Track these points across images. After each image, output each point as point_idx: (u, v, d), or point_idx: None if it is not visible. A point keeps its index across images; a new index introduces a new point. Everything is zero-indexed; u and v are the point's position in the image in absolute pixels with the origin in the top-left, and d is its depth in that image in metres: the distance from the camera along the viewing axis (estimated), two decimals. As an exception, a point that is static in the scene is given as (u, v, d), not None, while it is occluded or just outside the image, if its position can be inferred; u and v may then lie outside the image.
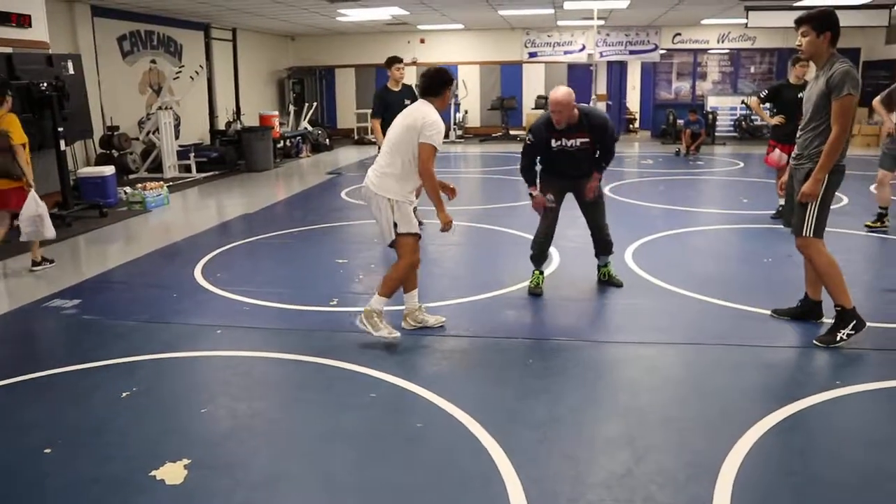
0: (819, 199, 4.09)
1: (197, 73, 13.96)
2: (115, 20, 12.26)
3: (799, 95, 4.59)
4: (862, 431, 3.27)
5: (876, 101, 7.02)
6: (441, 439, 3.19)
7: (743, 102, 17.44)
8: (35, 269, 6.26)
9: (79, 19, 11.26)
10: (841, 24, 4.08)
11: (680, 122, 15.65)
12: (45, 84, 7.91)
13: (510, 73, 18.96)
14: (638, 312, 4.87)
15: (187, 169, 12.25)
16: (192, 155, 12.31)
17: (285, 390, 3.84)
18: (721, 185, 11.28)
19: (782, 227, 7.40)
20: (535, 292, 5.26)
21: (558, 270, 5.79)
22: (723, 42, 17.49)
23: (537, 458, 2.99)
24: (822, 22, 4.01)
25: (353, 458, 3.06)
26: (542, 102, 18.11)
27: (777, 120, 7.36)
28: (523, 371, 3.93)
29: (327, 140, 16.84)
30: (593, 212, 5.31)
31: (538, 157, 5.19)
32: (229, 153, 13.09)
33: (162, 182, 10.00)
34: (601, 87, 19.85)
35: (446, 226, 4.28)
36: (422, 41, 18.57)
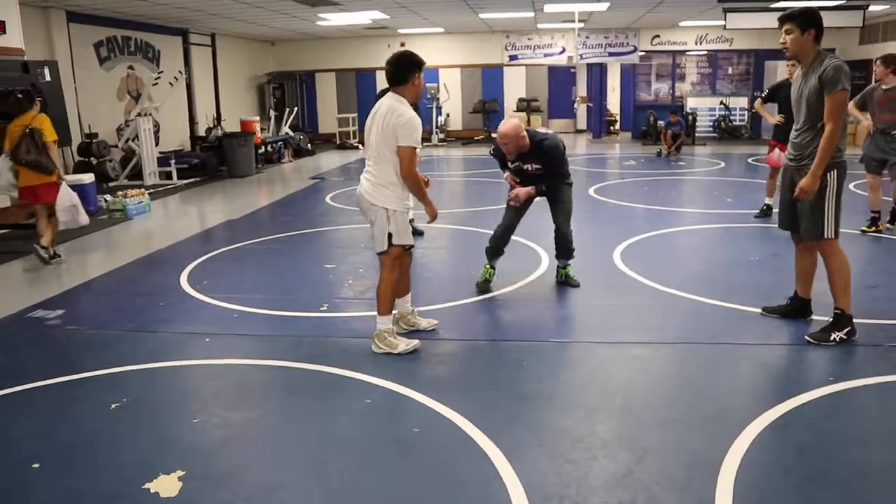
0: (834, 197, 4.08)
1: (176, 78, 13.81)
2: (92, 26, 12.10)
3: None
4: (858, 427, 3.28)
5: (851, 105, 7.08)
6: (439, 444, 3.16)
7: (722, 103, 17.63)
8: (51, 262, 6.52)
9: (54, 25, 11.10)
10: None
11: (661, 123, 15.75)
12: (22, 91, 7.76)
13: (491, 76, 19.01)
14: (630, 313, 4.87)
15: (168, 176, 12.11)
16: (172, 161, 12.17)
17: (279, 398, 3.78)
18: (704, 185, 11.35)
19: (765, 224, 7.52)
20: (481, 287, 5.30)
21: (549, 272, 5.77)
22: (701, 43, 17.65)
23: (537, 461, 2.97)
24: (806, 20, 4.02)
25: (351, 466, 3.01)
26: (523, 105, 18.17)
27: (777, 119, 7.37)
28: (518, 373, 3.91)
29: (309, 145, 16.75)
30: (556, 213, 5.38)
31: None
32: (210, 159, 12.97)
33: (143, 189, 9.86)
34: (582, 89, 19.99)
35: (434, 217, 4.28)
36: (402, 45, 18.52)
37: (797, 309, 4.56)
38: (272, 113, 16.87)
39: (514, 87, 19.05)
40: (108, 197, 9.25)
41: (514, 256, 6.25)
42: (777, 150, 7.50)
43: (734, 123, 17.60)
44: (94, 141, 11.56)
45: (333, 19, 14.18)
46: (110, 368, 4.06)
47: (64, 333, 4.74)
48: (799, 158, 4.22)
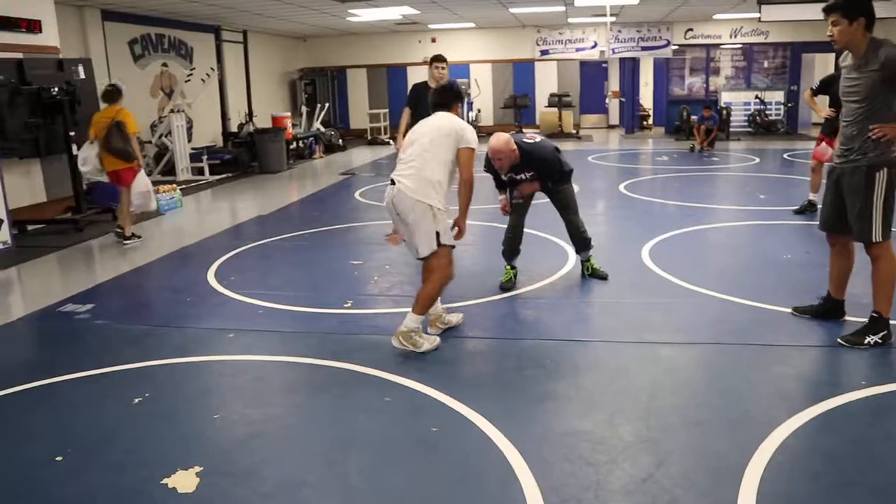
0: (883, 198, 3.87)
1: (208, 75, 13.97)
2: (126, 24, 12.29)
3: None
4: (890, 433, 3.17)
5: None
6: (457, 444, 3.13)
7: (757, 97, 17.27)
8: (126, 243, 7.26)
9: (89, 24, 11.29)
10: None
11: (694, 117, 15.49)
12: (56, 89, 7.91)
13: (522, 71, 18.89)
14: (657, 312, 4.78)
15: (200, 171, 12.26)
16: (204, 157, 12.32)
17: (299, 395, 3.79)
18: (737, 181, 11.14)
19: (798, 222, 7.33)
20: (505, 287, 5.27)
21: (576, 268, 5.70)
22: (736, 37, 17.32)
23: (556, 463, 2.92)
24: (853, 7, 3.75)
25: (369, 464, 3.00)
26: (555, 101, 18.01)
27: (827, 112, 7.17)
28: (541, 373, 3.86)
29: (340, 140, 16.82)
30: (563, 209, 5.37)
31: None
32: (242, 155, 13.09)
33: (175, 185, 10.00)
34: (614, 83, 19.75)
35: (462, 235, 4.29)
36: (433, 40, 18.50)
37: (830, 310, 4.42)
38: (304, 109, 16.98)
39: (546, 82, 18.90)
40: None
41: (542, 253, 6.20)
42: (824, 144, 7.32)
43: (770, 118, 17.24)
44: (128, 137, 11.73)
45: (364, 15, 14.20)
46: (135, 363, 4.10)
47: (92, 328, 4.81)
48: (847, 153, 3.99)
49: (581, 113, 19.60)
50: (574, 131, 17.99)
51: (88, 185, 8.81)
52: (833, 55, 8.72)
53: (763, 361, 3.93)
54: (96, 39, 11.45)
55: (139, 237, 7.45)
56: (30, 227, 8.09)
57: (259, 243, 7.21)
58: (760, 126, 17.14)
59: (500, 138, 4.93)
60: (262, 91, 16.91)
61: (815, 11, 6.66)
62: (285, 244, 7.18)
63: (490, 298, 5.07)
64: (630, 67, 18.21)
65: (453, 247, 4.17)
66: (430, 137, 4.09)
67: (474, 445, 3.09)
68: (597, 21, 16.14)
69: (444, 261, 4.09)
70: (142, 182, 7.47)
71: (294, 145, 14.68)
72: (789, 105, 17.18)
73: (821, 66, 16.96)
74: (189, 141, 12.58)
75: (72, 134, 8.06)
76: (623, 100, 18.90)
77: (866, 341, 4.00)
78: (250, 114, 15.27)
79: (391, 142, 16.70)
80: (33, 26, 8.35)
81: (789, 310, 4.59)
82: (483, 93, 18.63)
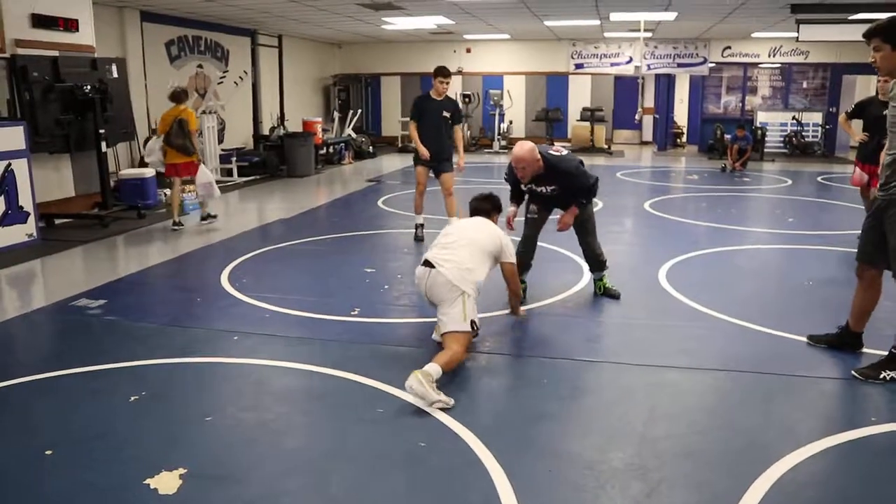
0: None
1: (241, 78, 14.14)
2: (164, 25, 12.50)
3: (884, 112, 4.09)
4: (896, 473, 3.04)
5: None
6: (443, 460, 3.08)
7: (794, 118, 16.95)
8: (203, 222, 8.29)
9: (128, 24, 11.50)
10: None
11: (727, 137, 15.24)
12: (89, 87, 8.07)
13: (556, 85, 18.78)
14: (666, 334, 4.68)
15: (229, 173, 12.40)
16: (233, 159, 12.46)
17: (294, 402, 3.77)
18: (766, 202, 10.91)
19: (822, 247, 7.13)
20: None
21: (590, 286, 5.61)
22: (774, 56, 17.02)
23: (542, 487, 2.85)
24: (895, 32, 3.59)
25: (353, 476, 2.96)
26: (587, 115, 17.89)
27: (861, 137, 7.00)
28: (537, 391, 3.79)
29: (371, 147, 16.90)
30: (580, 232, 5.29)
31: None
32: (271, 158, 13.21)
33: (203, 185, 10.11)
34: (648, 100, 19.54)
35: (520, 316, 4.84)
36: (468, 51, 18.52)
37: (846, 341, 4.26)
38: (336, 114, 17.08)
39: (579, 95, 18.77)
40: (168, 192, 9.49)
41: (556, 268, 6.13)
42: (857, 170, 7.14)
43: (806, 140, 16.89)
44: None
45: (398, 23, 14.26)
46: (137, 361, 4.13)
47: (101, 323, 4.87)
48: (888, 188, 3.77)
49: (614, 128, 19.42)
50: (606, 146, 17.83)
51: (116, 182, 8.98)
52: (875, 77, 8.44)
53: (771, 391, 3.81)
54: (134, 39, 11.66)
55: (214, 216, 8.42)
56: (57, 221, 8.25)
57: (277, 246, 7.25)
58: (796, 147, 16.80)
59: (525, 146, 4.86)
60: (296, 95, 17.06)
61: (854, 32, 6.46)
62: (302, 248, 7.20)
63: (496, 313, 4.99)
64: (665, 84, 18.01)
65: (476, 335, 4.21)
66: (478, 245, 4.28)
67: (459, 463, 3.03)
68: (632, 36, 16.00)
69: (467, 341, 4.06)
70: (204, 175, 8.22)
71: (324, 150, 14.78)
72: (827, 127, 16.82)
73: (862, 88, 16.59)
74: (220, 142, 12.73)
75: (102, 131, 8.21)
76: (657, 116, 18.69)
77: (882, 376, 3.85)
78: (282, 117, 15.42)
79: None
80: (70, 25, 8.54)
81: (804, 338, 4.45)
82: (515, 104, 18.57)
